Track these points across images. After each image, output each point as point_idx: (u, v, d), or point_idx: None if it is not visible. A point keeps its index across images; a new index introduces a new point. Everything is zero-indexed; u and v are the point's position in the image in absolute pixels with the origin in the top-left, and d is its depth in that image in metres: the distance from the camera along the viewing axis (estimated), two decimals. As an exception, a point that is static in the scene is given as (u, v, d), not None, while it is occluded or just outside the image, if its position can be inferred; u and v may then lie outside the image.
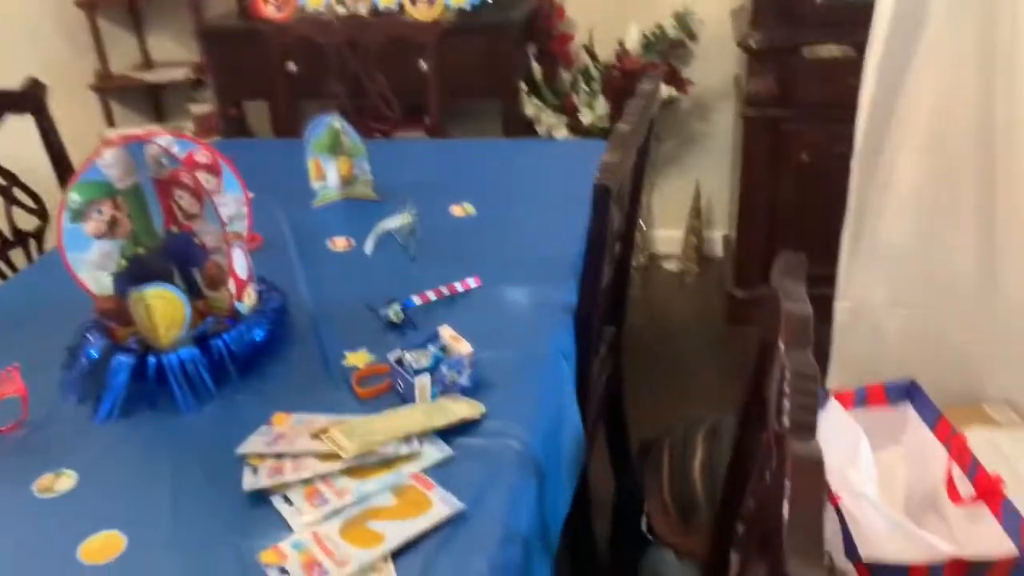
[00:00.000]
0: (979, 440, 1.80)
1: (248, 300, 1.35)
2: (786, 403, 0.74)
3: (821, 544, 0.63)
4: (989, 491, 1.43)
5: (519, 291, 1.48)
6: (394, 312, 1.40)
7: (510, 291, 1.49)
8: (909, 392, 1.65)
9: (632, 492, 1.82)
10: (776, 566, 0.65)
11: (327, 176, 1.86)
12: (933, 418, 1.58)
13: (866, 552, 1.32)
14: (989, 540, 1.40)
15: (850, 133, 1.98)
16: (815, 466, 0.67)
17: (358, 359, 1.32)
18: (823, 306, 1.97)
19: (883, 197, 2.03)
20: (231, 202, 1.35)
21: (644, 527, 1.72)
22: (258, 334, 1.32)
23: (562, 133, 2.81)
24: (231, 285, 1.31)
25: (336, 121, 1.83)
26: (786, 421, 0.73)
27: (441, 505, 1.05)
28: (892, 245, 2.05)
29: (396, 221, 1.61)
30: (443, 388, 1.24)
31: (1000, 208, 1.96)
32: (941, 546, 1.32)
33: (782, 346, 0.84)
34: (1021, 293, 1.99)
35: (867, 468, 1.44)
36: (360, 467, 1.10)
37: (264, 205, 1.68)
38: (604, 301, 1.57)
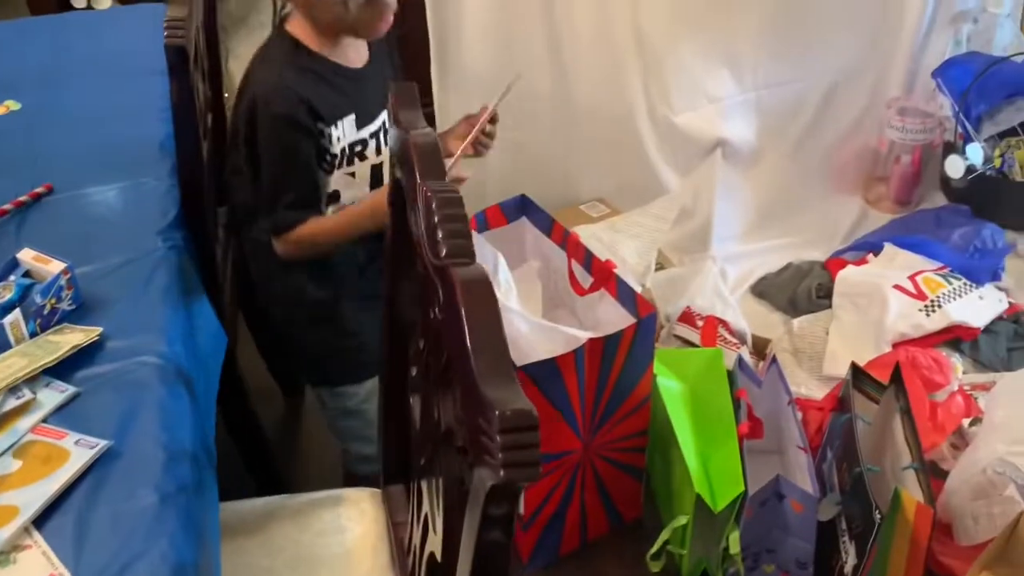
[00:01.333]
0: (584, 236, 2.00)
1: None
2: (439, 233, 0.72)
3: (509, 362, 0.62)
4: (604, 276, 1.60)
5: (106, 188, 1.28)
6: (-53, 247, 1.13)
7: (95, 190, 1.28)
8: (522, 206, 1.74)
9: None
10: (468, 393, 0.63)
11: None
12: (547, 225, 1.70)
13: (519, 358, 1.41)
14: (613, 317, 1.57)
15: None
16: (484, 286, 0.66)
17: (-87, 315, 1.06)
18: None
19: (460, 24, 2.07)
20: None
21: None
22: None
23: (105, 3, 2.43)
24: None
25: None
26: (443, 251, 0.71)
27: (79, 450, 0.90)
28: (476, 72, 2.12)
29: (-86, 136, 1.28)
30: (42, 320, 1.04)
31: (561, 23, 2.09)
32: (578, 334, 1.45)
33: (419, 178, 0.80)
34: (589, 104, 2.19)
35: (506, 283, 1.51)
36: (-40, 439, 0.89)
37: None
38: (210, 181, 1.42)
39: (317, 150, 1.36)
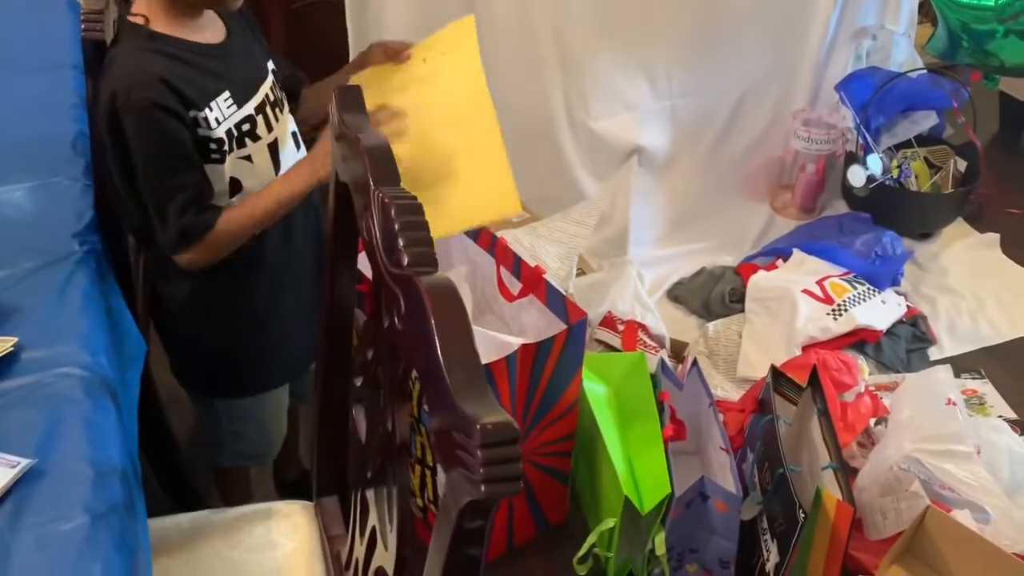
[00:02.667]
0: (506, 240, 2.00)
1: None
2: (400, 241, 0.70)
3: (482, 374, 0.61)
4: (533, 282, 1.60)
5: (14, 188, 1.20)
6: None
7: (1, 190, 1.19)
8: (448, 211, 1.73)
9: None
10: (443, 407, 0.62)
11: None
12: (474, 231, 1.69)
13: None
14: (542, 323, 1.58)
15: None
16: (453, 296, 0.65)
17: None
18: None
19: (379, 28, 2.04)
20: None
21: None
22: None
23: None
24: None
25: None
26: (405, 259, 0.69)
27: (-1, 470, 0.84)
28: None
29: None
30: (-53, 330, 0.97)
31: (482, 29, 2.06)
32: (511, 340, 1.45)
33: (372, 184, 0.78)
34: (510, 109, 2.17)
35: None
36: None
37: None
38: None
39: (196, 140, 1.23)
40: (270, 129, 1.32)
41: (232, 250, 1.29)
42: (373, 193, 0.77)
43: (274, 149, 1.34)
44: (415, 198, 0.74)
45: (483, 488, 0.55)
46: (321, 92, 1.47)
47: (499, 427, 0.55)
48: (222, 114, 1.25)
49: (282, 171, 1.35)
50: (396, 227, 0.71)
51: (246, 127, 1.29)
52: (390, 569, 0.82)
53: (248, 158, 1.30)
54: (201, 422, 1.58)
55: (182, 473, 1.62)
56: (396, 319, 0.73)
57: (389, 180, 0.78)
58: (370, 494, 0.90)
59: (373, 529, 0.89)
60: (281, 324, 1.43)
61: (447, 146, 1.36)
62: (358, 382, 0.93)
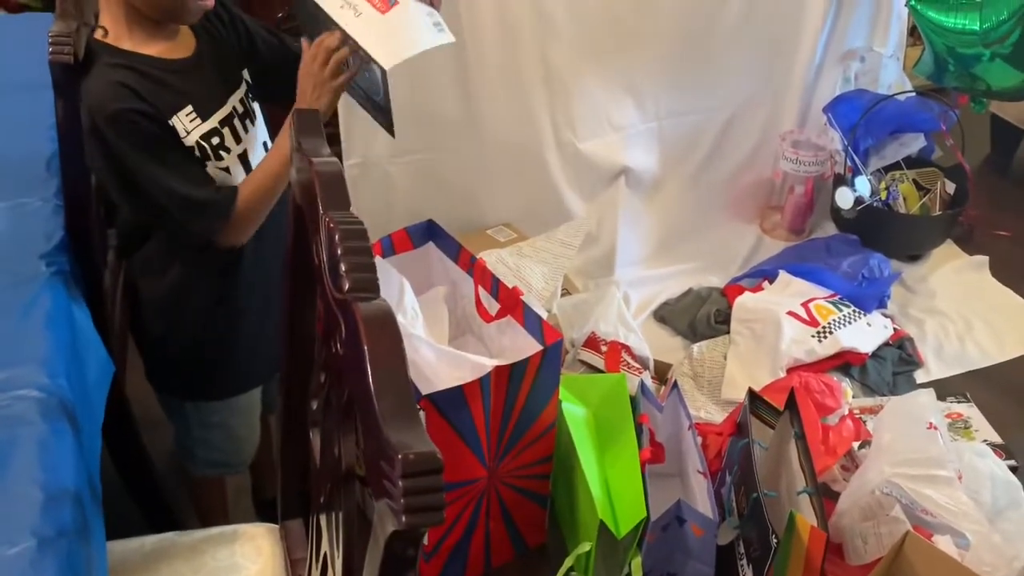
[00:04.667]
0: (490, 260, 2.00)
1: None
2: (342, 266, 0.70)
3: (412, 403, 0.61)
4: (511, 303, 1.60)
5: (-16, 209, 1.20)
6: None
7: (-29, 211, 1.20)
8: (429, 231, 1.73)
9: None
10: (371, 435, 0.62)
11: None
12: (454, 251, 1.69)
13: (425, 387, 1.39)
14: (520, 343, 1.57)
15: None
16: (388, 323, 0.65)
17: None
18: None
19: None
20: None
21: None
22: None
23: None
24: None
25: None
26: (346, 284, 0.69)
27: (-53, 495, 0.84)
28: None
29: None
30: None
31: (469, 49, 2.09)
32: (484, 362, 1.44)
33: (321, 207, 0.78)
34: (496, 130, 2.20)
35: (412, 310, 1.50)
36: None
37: None
38: (98, 202, 1.36)
39: (172, 138, 1.28)
40: (238, 141, 1.37)
41: (260, 221, 1.36)
42: (321, 217, 0.77)
43: (244, 160, 1.38)
44: (361, 223, 0.74)
45: (404, 519, 0.55)
46: None
47: (421, 458, 0.55)
48: (187, 127, 1.29)
49: None
50: (339, 251, 0.71)
51: (215, 140, 1.33)
52: (338, 596, 0.82)
53: (227, 170, 1.35)
54: (173, 430, 1.59)
55: (158, 491, 1.61)
56: (339, 344, 0.73)
57: (338, 205, 0.78)
58: (323, 519, 0.90)
59: (326, 554, 0.89)
60: (250, 328, 1.46)
61: None
62: (314, 405, 0.93)
